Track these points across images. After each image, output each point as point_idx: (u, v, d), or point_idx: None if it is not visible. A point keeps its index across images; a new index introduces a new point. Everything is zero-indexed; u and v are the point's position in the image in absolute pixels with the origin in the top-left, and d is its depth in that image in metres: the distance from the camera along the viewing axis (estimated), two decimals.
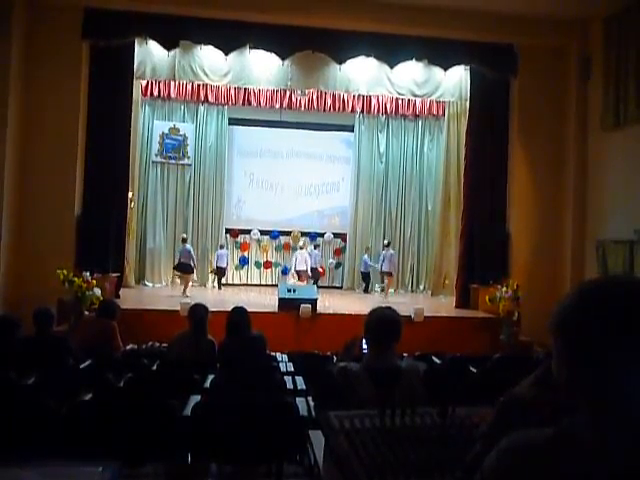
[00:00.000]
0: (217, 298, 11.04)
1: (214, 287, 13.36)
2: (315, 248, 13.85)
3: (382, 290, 12.65)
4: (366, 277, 13.56)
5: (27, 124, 9.44)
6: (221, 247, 13.39)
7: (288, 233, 14.59)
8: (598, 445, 0.91)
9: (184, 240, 12.19)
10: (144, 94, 12.95)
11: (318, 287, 11.53)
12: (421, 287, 14.35)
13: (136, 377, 4.07)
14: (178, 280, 12.06)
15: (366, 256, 13.54)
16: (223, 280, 13.31)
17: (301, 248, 13.36)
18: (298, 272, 12.72)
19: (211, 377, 4.11)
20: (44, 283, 8.60)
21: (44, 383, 3.83)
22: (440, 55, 10.54)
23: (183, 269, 11.83)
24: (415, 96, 11.95)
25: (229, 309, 5.34)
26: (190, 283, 11.89)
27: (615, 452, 0.90)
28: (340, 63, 10.61)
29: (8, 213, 9.14)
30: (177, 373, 4.40)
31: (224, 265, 13.17)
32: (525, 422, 1.10)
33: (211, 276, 13.53)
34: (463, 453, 1.28)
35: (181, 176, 13.87)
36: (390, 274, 12.35)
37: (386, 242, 13.12)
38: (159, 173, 13.78)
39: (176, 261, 12.26)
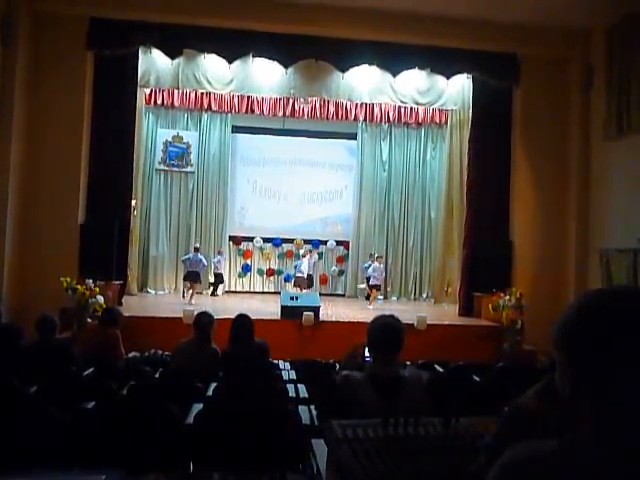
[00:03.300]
0: (220, 306, 11.03)
1: (214, 295, 13.33)
2: (319, 256, 13.89)
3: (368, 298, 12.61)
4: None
5: (32, 132, 9.48)
6: (219, 253, 13.48)
7: (291, 241, 14.60)
8: (599, 460, 0.90)
9: (197, 249, 12.25)
10: (148, 102, 13.02)
11: (320, 294, 11.50)
12: (424, 295, 14.33)
13: (138, 385, 4.07)
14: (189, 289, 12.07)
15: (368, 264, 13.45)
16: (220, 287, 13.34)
17: (303, 256, 13.31)
18: (299, 278, 12.68)
19: (214, 385, 4.10)
20: (47, 291, 8.61)
21: (46, 391, 3.83)
22: (443, 64, 10.57)
23: (192, 278, 11.91)
24: (418, 104, 12.00)
25: (232, 316, 5.33)
26: (196, 291, 11.94)
27: (616, 468, 0.89)
28: (343, 71, 10.66)
29: (12, 220, 9.17)
30: (179, 381, 4.39)
31: (220, 271, 13.29)
32: (529, 433, 1.10)
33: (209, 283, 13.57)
34: (467, 464, 1.27)
35: (184, 184, 13.92)
36: (378, 287, 12.35)
37: (376, 255, 13.09)
38: (162, 181, 13.83)
39: (185, 270, 12.30)
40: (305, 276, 12.68)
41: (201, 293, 12.75)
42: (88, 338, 5.99)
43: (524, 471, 0.95)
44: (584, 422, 0.95)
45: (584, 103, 10.21)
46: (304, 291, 12.37)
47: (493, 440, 1.21)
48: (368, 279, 12.86)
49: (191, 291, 11.86)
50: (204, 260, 12.08)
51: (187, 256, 12.31)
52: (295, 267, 12.80)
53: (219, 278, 13.28)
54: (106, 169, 10.08)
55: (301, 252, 13.71)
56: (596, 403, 0.93)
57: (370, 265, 12.95)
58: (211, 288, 13.32)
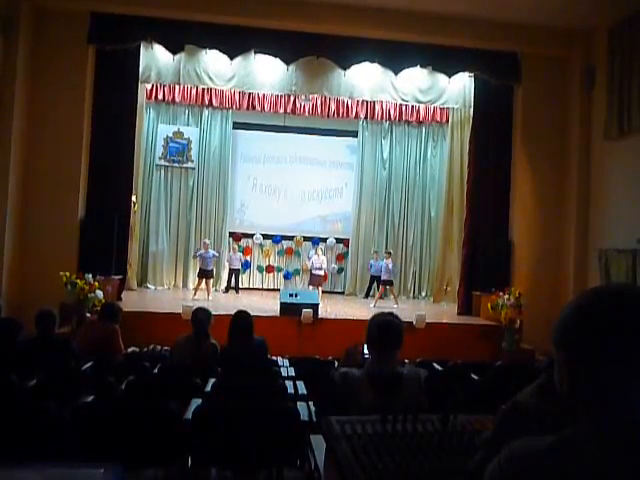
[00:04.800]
0: (220, 302, 11.04)
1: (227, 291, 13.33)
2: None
3: (381, 297, 12.53)
4: (374, 281, 13.13)
5: (32, 127, 9.48)
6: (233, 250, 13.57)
7: (291, 238, 14.61)
8: (597, 456, 0.91)
9: (206, 245, 12.25)
10: (149, 98, 12.99)
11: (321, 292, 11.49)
12: (423, 294, 14.33)
13: (137, 380, 4.07)
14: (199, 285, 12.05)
15: (373, 260, 13.32)
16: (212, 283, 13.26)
17: (316, 253, 13.01)
18: (315, 275, 12.53)
19: (212, 381, 4.11)
20: (47, 285, 8.62)
21: (46, 385, 3.84)
22: (444, 62, 10.57)
23: (205, 275, 11.93)
24: (419, 103, 11.98)
25: (231, 313, 5.34)
26: (202, 286, 11.93)
27: (614, 464, 0.90)
28: (344, 69, 10.65)
29: (12, 215, 9.18)
30: (178, 377, 4.39)
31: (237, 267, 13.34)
32: (527, 430, 1.11)
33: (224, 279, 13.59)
34: (464, 460, 1.28)
35: (185, 180, 13.91)
36: (392, 282, 12.34)
37: (390, 251, 13.05)
38: (163, 176, 13.82)
39: (198, 267, 12.29)
40: (322, 274, 12.63)
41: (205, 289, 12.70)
42: (87, 333, 6.00)
43: (522, 467, 0.96)
44: (582, 419, 0.96)
45: (585, 103, 10.21)
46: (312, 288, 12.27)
47: (491, 437, 1.21)
48: (376, 277, 12.73)
49: (195, 287, 11.89)
50: (214, 255, 12.08)
51: (200, 252, 12.18)
52: (316, 268, 12.57)
53: (231, 273, 13.33)
54: (106, 164, 10.06)
55: (313, 250, 13.40)
56: (595, 400, 0.94)
57: (377, 262, 12.86)
58: (233, 284, 13.30)
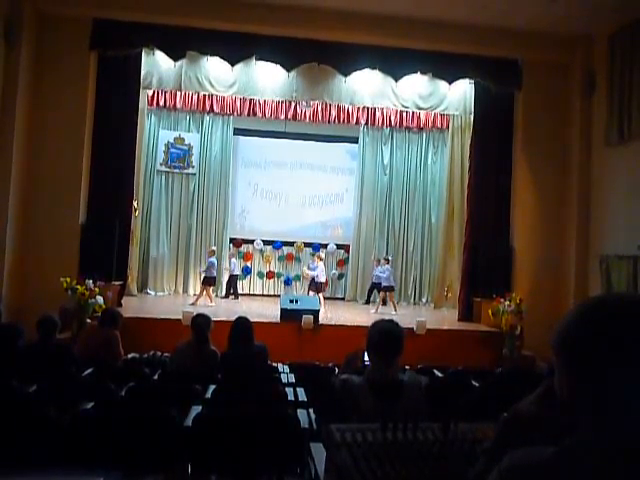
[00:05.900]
0: (220, 308, 11.03)
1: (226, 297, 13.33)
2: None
3: (384, 304, 12.48)
4: (376, 287, 12.99)
5: (34, 132, 9.49)
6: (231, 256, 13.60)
7: (291, 244, 14.62)
8: (599, 462, 0.91)
9: (212, 253, 12.29)
10: (150, 104, 13.03)
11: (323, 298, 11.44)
12: (424, 299, 14.32)
13: (137, 387, 4.07)
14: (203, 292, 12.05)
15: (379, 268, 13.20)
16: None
17: (321, 259, 12.85)
18: (319, 284, 12.37)
19: (212, 387, 4.10)
20: (47, 291, 8.61)
21: (46, 391, 3.83)
22: (445, 69, 10.59)
23: (210, 282, 11.98)
24: (419, 109, 12.01)
25: (232, 319, 5.34)
26: (204, 293, 11.93)
27: (615, 470, 0.90)
28: (345, 75, 10.68)
29: (13, 220, 9.18)
30: (178, 383, 4.39)
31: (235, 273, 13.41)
32: (528, 439, 1.10)
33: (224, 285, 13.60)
34: (465, 469, 1.28)
35: (185, 185, 13.93)
36: (392, 288, 12.31)
37: (389, 257, 13.01)
38: (164, 182, 13.84)
39: (203, 274, 12.30)
40: (324, 281, 12.59)
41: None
42: (87, 339, 5.99)
43: (523, 476, 0.96)
44: (583, 425, 0.96)
45: (585, 109, 10.22)
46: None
47: (491, 446, 1.21)
48: (377, 285, 12.67)
49: (197, 294, 11.88)
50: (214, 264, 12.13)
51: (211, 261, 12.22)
52: (316, 275, 12.48)
53: (230, 279, 13.37)
54: (108, 170, 10.08)
55: (316, 257, 13.23)
56: (596, 405, 0.94)
57: (378, 268, 12.80)
58: (231, 291, 13.32)
